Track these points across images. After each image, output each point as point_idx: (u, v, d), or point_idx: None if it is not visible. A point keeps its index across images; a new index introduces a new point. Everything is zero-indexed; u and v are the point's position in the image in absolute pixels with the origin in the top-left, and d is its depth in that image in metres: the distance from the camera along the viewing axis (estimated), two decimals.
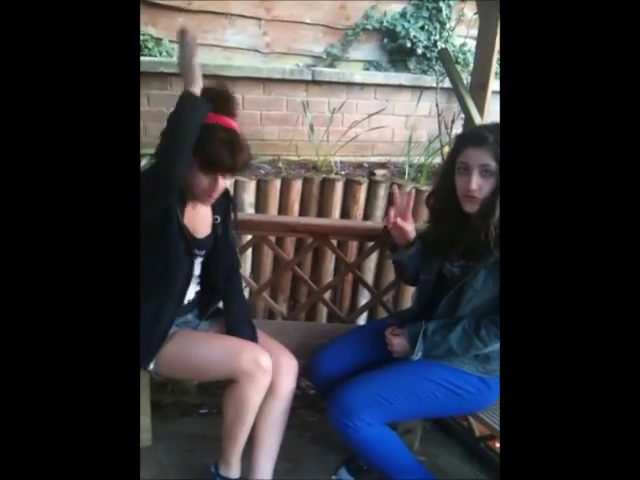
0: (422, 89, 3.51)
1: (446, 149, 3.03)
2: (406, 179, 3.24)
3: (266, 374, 1.58)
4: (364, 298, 3.11)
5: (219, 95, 1.50)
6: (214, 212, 1.69)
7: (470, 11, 3.47)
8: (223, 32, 3.39)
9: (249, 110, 3.14)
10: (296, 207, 3.01)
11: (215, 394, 2.24)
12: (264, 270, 3.02)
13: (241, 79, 3.06)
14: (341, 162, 3.31)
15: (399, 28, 3.64)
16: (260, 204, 2.93)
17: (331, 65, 3.65)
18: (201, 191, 1.52)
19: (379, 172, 3.27)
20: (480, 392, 1.61)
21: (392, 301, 3.10)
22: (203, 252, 1.65)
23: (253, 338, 1.71)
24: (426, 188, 2.93)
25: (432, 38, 3.68)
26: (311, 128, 3.24)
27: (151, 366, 1.59)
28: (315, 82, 3.27)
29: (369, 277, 3.09)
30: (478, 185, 1.45)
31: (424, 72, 3.71)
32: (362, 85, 3.39)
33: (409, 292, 3.01)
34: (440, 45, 3.67)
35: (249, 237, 2.20)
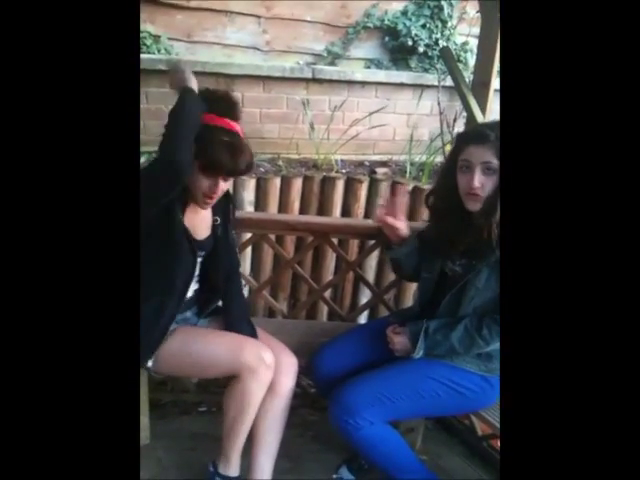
0: (423, 87, 3.51)
1: (448, 148, 3.02)
2: (407, 178, 3.24)
3: (269, 369, 1.58)
4: (365, 297, 3.10)
5: (222, 98, 1.51)
6: (214, 213, 1.69)
7: (472, 9, 3.46)
8: (223, 30, 3.38)
9: (249, 108, 3.13)
10: (296, 205, 3.01)
11: (215, 392, 2.23)
12: (264, 268, 3.02)
13: (241, 77, 3.06)
14: (342, 160, 3.31)
15: (400, 26, 3.63)
16: (260, 202, 2.93)
17: (332, 63, 3.64)
18: (201, 193, 1.52)
19: (380, 170, 3.26)
20: (482, 391, 1.60)
21: (393, 300, 3.10)
22: (203, 253, 1.65)
23: (253, 336, 1.70)
24: (428, 187, 2.92)
25: (434, 36, 3.67)
26: (311, 126, 3.24)
27: (149, 363, 1.58)
28: (315, 80, 3.26)
29: (370, 275, 3.09)
30: (480, 183, 1.45)
31: (426, 70, 3.70)
32: (363, 83, 3.39)
33: (410, 291, 3.01)
34: (442, 43, 3.66)
35: (249, 235, 2.19)
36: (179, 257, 1.54)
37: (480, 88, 2.13)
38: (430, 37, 3.67)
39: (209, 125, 1.44)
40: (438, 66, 3.56)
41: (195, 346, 1.60)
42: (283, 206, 2.98)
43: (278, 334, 1.81)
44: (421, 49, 3.66)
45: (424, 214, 2.56)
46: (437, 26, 3.69)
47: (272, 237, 2.19)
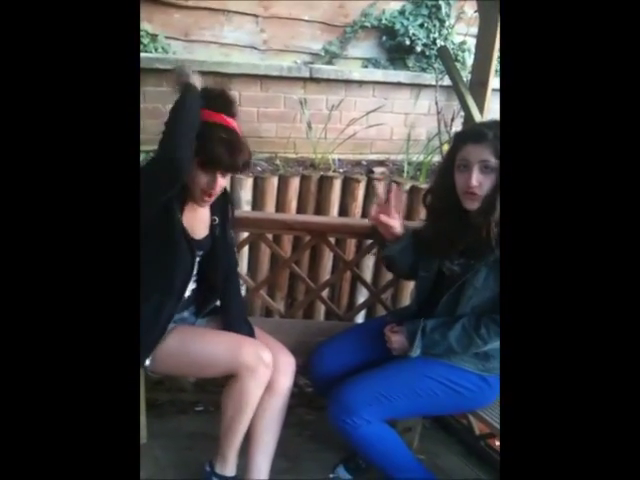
0: (421, 87, 3.51)
1: (445, 147, 3.02)
2: (405, 177, 3.24)
3: (267, 368, 1.58)
4: (362, 296, 3.10)
5: (219, 95, 1.51)
6: (212, 212, 1.69)
7: (470, 9, 3.47)
8: (220, 29, 3.38)
9: (246, 107, 3.12)
10: (294, 205, 3.00)
11: (212, 391, 2.23)
12: (261, 268, 3.01)
13: (238, 76, 3.05)
14: (339, 160, 3.30)
15: (398, 26, 3.63)
16: (257, 202, 2.92)
17: (329, 62, 3.64)
18: (200, 190, 1.52)
19: (378, 170, 3.26)
20: (480, 390, 1.60)
21: (390, 299, 3.10)
22: (201, 252, 1.65)
23: (251, 336, 1.71)
24: (425, 186, 2.92)
25: (431, 36, 3.68)
26: (309, 125, 3.24)
27: (147, 362, 1.58)
28: (313, 79, 3.26)
29: (367, 275, 3.08)
30: (478, 181, 1.44)
31: (423, 70, 3.70)
32: (360, 83, 3.38)
33: (408, 290, 3.01)
34: (439, 43, 3.66)
35: (246, 234, 2.19)
36: (177, 256, 1.54)
37: (478, 88, 2.12)
38: (428, 36, 3.67)
39: (207, 122, 1.44)
40: (436, 65, 3.56)
41: (193, 345, 1.60)
42: (280, 205, 2.97)
43: (275, 333, 1.81)
44: (419, 48, 3.66)
45: (422, 213, 2.56)
46: (435, 25, 3.69)
47: (269, 236, 2.19)
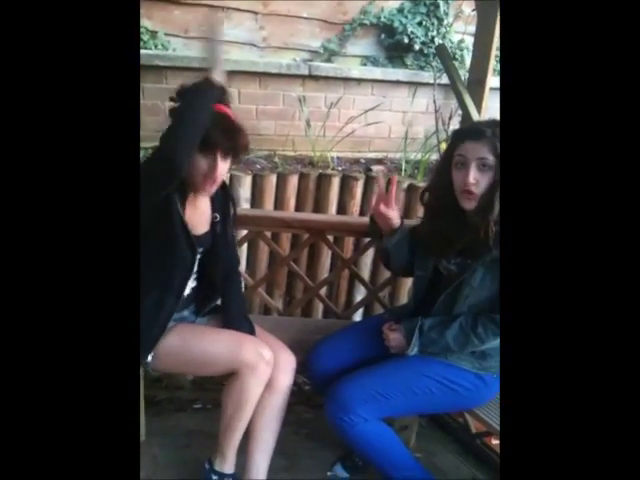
0: (418, 85, 3.50)
1: (443, 145, 3.02)
2: (403, 175, 3.24)
3: (268, 366, 1.58)
4: (360, 294, 3.10)
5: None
6: (213, 210, 1.68)
7: (468, 7, 3.48)
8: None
9: (245, 104, 3.12)
10: (292, 202, 3.00)
11: (210, 389, 2.24)
12: (260, 265, 3.01)
13: (237, 73, 3.05)
14: (338, 158, 3.31)
15: (396, 24, 3.63)
16: (256, 199, 2.92)
17: (328, 60, 3.64)
18: (201, 176, 1.50)
19: (376, 168, 3.26)
20: (476, 388, 1.60)
21: (388, 297, 3.10)
22: (201, 249, 1.63)
23: (252, 334, 1.71)
24: (423, 184, 2.92)
25: (430, 34, 3.68)
26: (307, 123, 3.24)
27: (149, 358, 1.57)
28: (312, 77, 3.26)
29: (365, 273, 3.08)
30: (475, 179, 1.44)
31: (421, 68, 3.70)
32: (359, 80, 3.39)
33: (405, 288, 3.01)
34: (437, 41, 3.66)
35: (244, 232, 2.19)
36: (177, 252, 1.53)
37: (476, 86, 2.12)
38: (426, 35, 3.68)
39: None
40: (434, 64, 3.57)
41: (194, 343, 1.60)
42: (279, 203, 2.97)
43: (273, 331, 1.81)
44: (417, 47, 3.66)
45: (419, 211, 2.56)
46: (433, 24, 3.69)
47: (268, 234, 2.19)
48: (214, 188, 1.55)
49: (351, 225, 2.24)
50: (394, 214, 1.65)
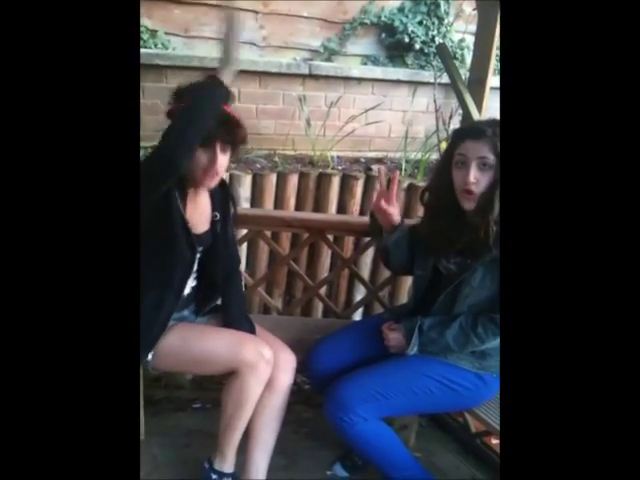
0: (419, 84, 3.50)
1: (443, 145, 3.02)
2: (403, 175, 3.24)
3: (268, 365, 1.58)
4: (360, 294, 3.10)
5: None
6: (213, 208, 1.68)
7: (469, 7, 3.47)
8: (220, 25, 3.36)
9: (245, 104, 3.12)
10: (292, 202, 3.00)
11: (209, 389, 2.24)
12: (259, 265, 3.01)
13: (237, 72, 3.03)
14: (338, 157, 3.31)
15: (397, 23, 3.63)
16: (256, 198, 2.92)
17: (328, 59, 3.64)
18: (202, 170, 1.49)
19: (376, 167, 3.26)
20: (476, 388, 1.60)
21: (388, 297, 3.10)
22: (201, 248, 1.63)
23: (252, 333, 1.71)
24: (423, 184, 2.92)
25: (430, 33, 3.68)
26: (308, 122, 3.23)
27: (149, 357, 1.57)
28: (312, 76, 3.26)
29: (365, 273, 3.08)
30: (476, 178, 1.44)
31: (422, 67, 3.70)
32: (359, 80, 3.39)
33: (405, 288, 3.01)
34: (438, 40, 3.66)
35: (244, 231, 2.19)
36: (177, 249, 1.52)
37: (476, 85, 2.12)
38: (426, 34, 3.68)
39: None
40: (434, 63, 3.56)
41: (194, 342, 1.60)
42: (279, 202, 2.97)
43: (273, 331, 1.81)
44: (417, 46, 3.66)
45: (419, 211, 2.56)
46: (434, 23, 3.69)
47: (268, 233, 2.19)
48: (215, 181, 1.55)
49: (351, 224, 2.24)
50: (394, 210, 1.65)
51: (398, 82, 3.48)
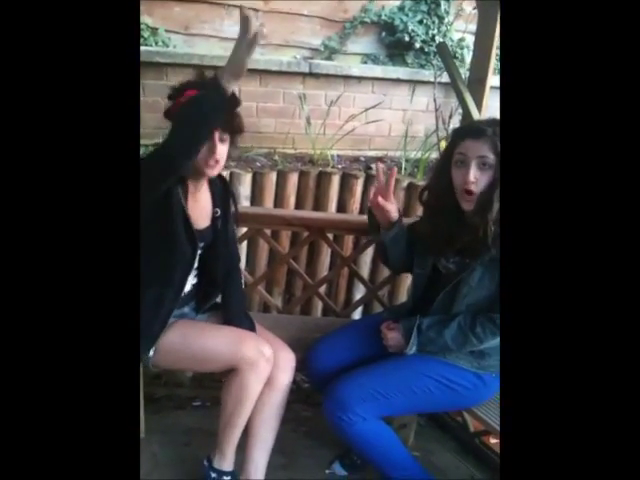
0: (417, 83, 3.50)
1: (443, 144, 3.02)
2: (403, 174, 3.23)
3: (268, 363, 1.59)
4: (359, 292, 3.10)
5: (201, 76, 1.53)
6: (214, 205, 1.68)
7: (469, 6, 3.47)
8: (221, 23, 3.37)
9: (245, 102, 3.08)
10: (292, 200, 2.99)
11: (209, 387, 2.24)
12: (259, 263, 3.01)
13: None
14: (338, 156, 3.30)
15: (397, 22, 3.63)
16: (256, 197, 2.92)
17: (329, 58, 3.63)
18: (202, 160, 1.49)
19: (375, 165, 3.26)
20: (475, 387, 1.61)
21: (387, 296, 3.10)
22: (202, 244, 1.63)
23: (252, 330, 1.71)
24: (422, 183, 2.92)
25: (430, 32, 3.67)
26: (308, 121, 3.23)
27: (151, 353, 1.58)
28: (312, 75, 3.26)
29: (365, 271, 3.08)
30: (475, 177, 1.44)
31: (422, 66, 3.70)
32: (360, 78, 3.38)
33: (404, 287, 3.01)
34: (438, 39, 3.65)
35: (244, 230, 2.19)
36: (178, 246, 1.53)
37: (476, 85, 2.12)
38: (427, 33, 3.67)
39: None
40: (434, 62, 3.56)
41: (194, 340, 1.60)
42: (279, 201, 2.97)
43: (273, 329, 1.81)
44: (417, 45, 3.66)
45: (419, 210, 2.56)
46: (434, 22, 3.69)
47: (268, 232, 2.19)
48: (215, 170, 1.55)
49: (351, 223, 2.24)
50: (392, 207, 1.64)
51: (398, 81, 3.47)
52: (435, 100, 3.33)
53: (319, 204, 3.05)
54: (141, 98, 2.85)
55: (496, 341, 1.51)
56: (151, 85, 2.89)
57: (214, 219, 1.68)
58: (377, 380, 1.59)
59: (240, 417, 1.62)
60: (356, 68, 3.39)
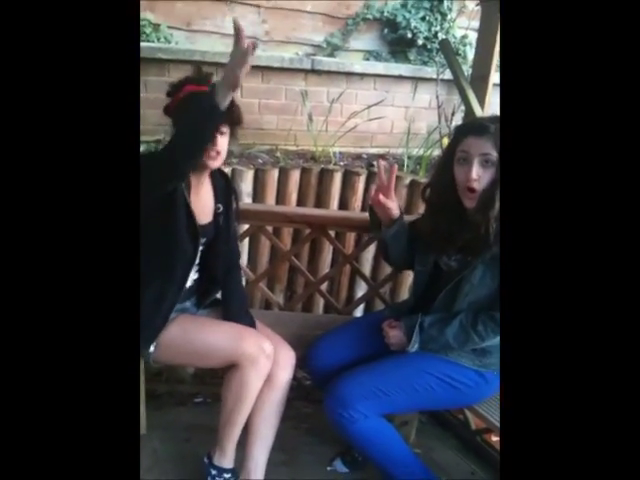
0: (420, 80, 3.49)
1: (445, 141, 3.01)
2: (405, 171, 3.23)
3: (269, 359, 1.59)
4: (361, 290, 3.10)
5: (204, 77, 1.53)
6: (216, 201, 1.68)
7: (471, 2, 3.45)
8: (222, 19, 3.36)
9: (247, 99, 3.11)
10: (294, 197, 2.99)
11: (210, 383, 2.24)
12: (261, 260, 3.01)
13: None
14: (340, 153, 3.30)
15: (400, 18, 3.61)
16: (258, 194, 2.91)
17: (331, 55, 3.62)
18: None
19: (376, 163, 3.25)
20: (477, 385, 1.60)
21: (389, 293, 3.10)
22: (204, 239, 1.64)
23: (252, 327, 1.72)
24: (425, 180, 2.91)
25: (433, 29, 3.66)
26: (310, 118, 3.22)
27: (152, 348, 1.58)
28: (314, 71, 3.25)
29: (366, 269, 3.08)
30: (478, 175, 1.43)
31: (424, 63, 3.69)
32: (362, 75, 3.37)
33: (406, 284, 3.01)
34: (441, 36, 3.64)
35: (246, 227, 2.19)
36: (179, 242, 1.54)
37: (479, 82, 2.12)
38: (429, 30, 3.66)
39: (194, 92, 1.46)
40: (437, 59, 3.55)
41: (195, 335, 1.60)
42: (281, 198, 2.96)
43: (274, 326, 1.82)
44: (420, 42, 3.64)
45: (421, 207, 2.56)
46: (436, 19, 3.67)
47: (269, 229, 2.19)
48: (217, 163, 1.56)
49: (353, 220, 2.23)
50: (393, 204, 1.64)
51: (400, 78, 3.47)
52: (437, 97, 3.32)
53: (321, 201, 3.04)
54: (143, 94, 2.85)
55: (498, 339, 1.51)
56: (153, 81, 2.89)
57: (216, 215, 1.68)
58: (378, 378, 1.59)
59: (240, 414, 1.62)
60: (358, 65, 3.38)
